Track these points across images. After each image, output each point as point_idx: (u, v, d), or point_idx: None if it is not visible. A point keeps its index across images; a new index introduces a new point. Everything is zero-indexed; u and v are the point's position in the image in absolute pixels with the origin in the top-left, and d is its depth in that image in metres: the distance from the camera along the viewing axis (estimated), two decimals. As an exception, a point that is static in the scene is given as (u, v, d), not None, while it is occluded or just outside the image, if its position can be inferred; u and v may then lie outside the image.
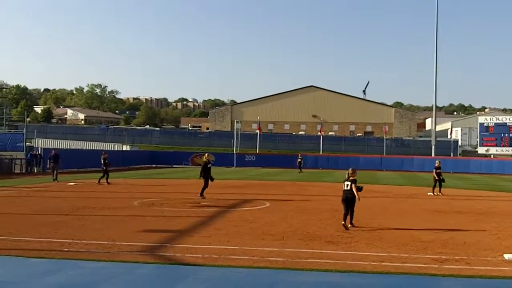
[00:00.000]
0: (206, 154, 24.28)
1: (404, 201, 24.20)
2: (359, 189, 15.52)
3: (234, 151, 57.24)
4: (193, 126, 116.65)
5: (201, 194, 22.33)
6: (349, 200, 15.47)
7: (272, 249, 12.13)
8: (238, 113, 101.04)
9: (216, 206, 20.29)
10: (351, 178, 15.74)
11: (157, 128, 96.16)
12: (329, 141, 74.66)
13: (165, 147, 74.74)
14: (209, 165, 22.77)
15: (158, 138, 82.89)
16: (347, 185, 15.58)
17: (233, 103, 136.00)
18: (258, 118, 65.36)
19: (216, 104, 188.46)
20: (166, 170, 49.37)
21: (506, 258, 11.59)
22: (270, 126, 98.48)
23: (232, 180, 34.74)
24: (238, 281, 2.48)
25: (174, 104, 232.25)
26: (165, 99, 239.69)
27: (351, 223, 15.54)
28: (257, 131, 62.24)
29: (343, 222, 15.28)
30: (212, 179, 22.58)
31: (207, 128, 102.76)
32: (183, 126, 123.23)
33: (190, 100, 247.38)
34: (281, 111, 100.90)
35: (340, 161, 54.82)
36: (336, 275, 2.75)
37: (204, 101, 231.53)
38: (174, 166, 56.75)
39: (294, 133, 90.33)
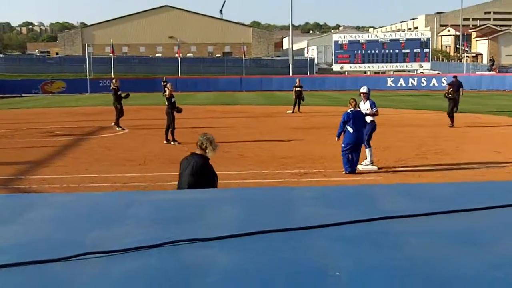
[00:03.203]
0: (114, 80, 22.32)
1: (264, 120, 24.82)
2: (178, 110, 16.92)
3: (88, 77, 54.52)
4: (41, 52, 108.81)
5: (117, 124, 20.78)
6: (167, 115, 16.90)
7: (133, 174, 11.92)
8: (89, 37, 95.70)
9: (71, 134, 19.37)
10: (165, 94, 17.62)
11: (0, 55, 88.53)
12: (188, 63, 73.64)
13: (11, 75, 69.19)
14: (119, 92, 20.99)
15: (3, 65, 76.47)
16: (165, 101, 17.30)
17: (83, 25, 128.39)
18: (111, 41, 62.24)
19: (65, 27, 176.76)
20: (14, 100, 45.98)
21: (360, 168, 12.46)
22: (125, 49, 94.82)
23: (87, 107, 33.32)
24: (90, 203, 2.32)
25: (19, 28, 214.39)
26: (8, 24, 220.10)
27: (173, 139, 16.72)
28: (111, 54, 59.51)
29: (164, 141, 16.70)
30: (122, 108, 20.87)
31: (57, 53, 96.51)
32: (30, 52, 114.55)
33: (36, 24, 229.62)
34: (136, 33, 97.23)
35: (199, 83, 54.46)
36: (195, 191, 2.71)
37: (52, 24, 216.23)
38: (23, 95, 53.07)
39: (150, 56, 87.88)
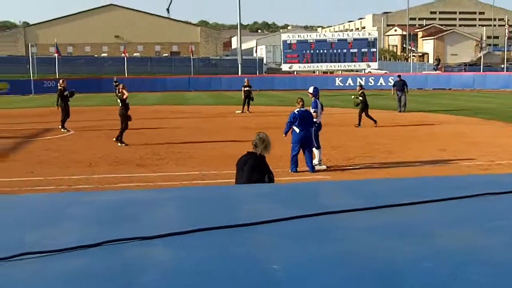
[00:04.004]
0: (60, 81, 21.61)
1: (214, 120, 24.76)
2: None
3: (31, 77, 53.04)
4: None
5: (63, 126, 20.25)
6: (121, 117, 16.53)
7: (79, 177, 11.69)
8: (32, 36, 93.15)
9: (15, 136, 18.80)
10: (119, 94, 16.90)
11: None
12: (134, 62, 72.61)
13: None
14: (65, 93, 20.37)
15: None
16: (119, 102, 16.85)
17: (26, 25, 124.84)
18: (55, 40, 60.80)
19: (6, 26, 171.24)
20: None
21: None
22: (70, 49, 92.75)
23: (31, 108, 32.41)
24: (30, 204, 2.29)
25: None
26: None
27: (120, 140, 16.37)
28: (55, 55, 58.07)
29: (118, 144, 16.22)
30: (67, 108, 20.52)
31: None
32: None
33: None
34: (81, 33, 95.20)
35: (146, 82, 53.75)
36: (138, 192, 2.71)
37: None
38: (-38, 96, 51.09)
39: (96, 56, 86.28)
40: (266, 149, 6.50)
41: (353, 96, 21.69)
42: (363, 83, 34.83)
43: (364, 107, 20.65)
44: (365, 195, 2.50)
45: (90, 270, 1.66)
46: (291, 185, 3.72)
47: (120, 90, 16.99)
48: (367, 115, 20.63)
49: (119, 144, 16.24)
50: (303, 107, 12.48)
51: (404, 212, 2.19)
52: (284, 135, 12.55)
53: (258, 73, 66.35)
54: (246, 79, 29.66)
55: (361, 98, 20.69)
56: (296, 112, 12.26)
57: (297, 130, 12.08)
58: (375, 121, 20.51)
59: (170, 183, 11.00)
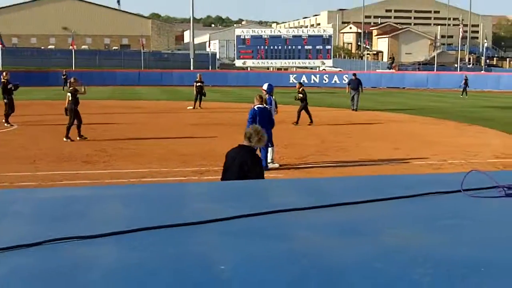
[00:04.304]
0: (3, 73, 20.75)
1: (164, 116, 24.48)
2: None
3: (-26, 69, 51.15)
4: None
5: (7, 120, 19.54)
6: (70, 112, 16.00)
7: (23, 173, 11.35)
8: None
9: (-45, 130, 18.08)
10: (70, 88, 16.41)
11: None
12: (83, 55, 70.98)
13: None
14: (9, 86, 19.61)
15: None
16: (68, 96, 16.20)
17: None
18: None
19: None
20: None
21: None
22: (14, 40, 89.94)
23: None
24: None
25: None
26: None
27: (67, 135, 15.88)
28: (-1, 46, 56.20)
29: (64, 139, 15.73)
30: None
31: None
32: None
33: None
34: (27, 24, 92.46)
35: (95, 76, 52.53)
36: (83, 189, 2.64)
37: None
38: None
39: (43, 47, 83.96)
40: (260, 141, 6.29)
41: (295, 98, 21.72)
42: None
43: (305, 103, 20.71)
44: (316, 194, 2.49)
45: (31, 270, 1.60)
46: (241, 183, 3.70)
47: (74, 84, 16.46)
48: (299, 111, 20.65)
49: (64, 139, 15.81)
50: (262, 104, 12.13)
51: (354, 211, 2.19)
52: None
53: (211, 68, 65.92)
54: (198, 74, 29.45)
55: (301, 95, 20.76)
56: (256, 109, 11.89)
57: None
58: (297, 121, 20.62)
59: (117, 180, 10.80)
